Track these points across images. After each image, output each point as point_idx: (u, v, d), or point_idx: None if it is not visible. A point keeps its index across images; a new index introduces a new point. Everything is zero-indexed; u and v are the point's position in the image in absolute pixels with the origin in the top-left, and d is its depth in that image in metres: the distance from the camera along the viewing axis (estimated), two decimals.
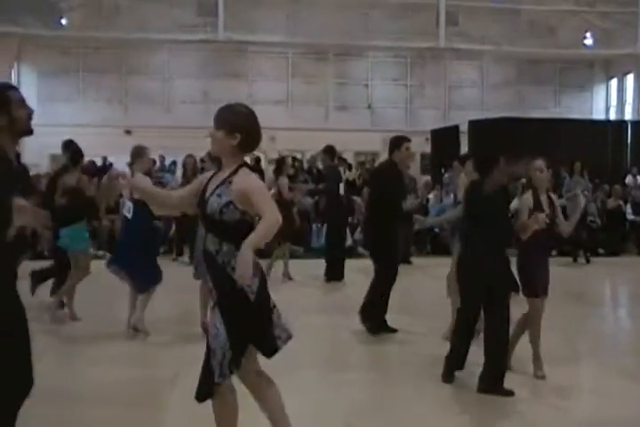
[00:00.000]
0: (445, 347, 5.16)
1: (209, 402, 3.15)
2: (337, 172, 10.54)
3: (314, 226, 12.91)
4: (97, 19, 19.97)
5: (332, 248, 10.26)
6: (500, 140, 14.17)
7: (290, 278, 10.04)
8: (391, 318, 6.75)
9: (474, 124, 17.09)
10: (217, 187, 3.14)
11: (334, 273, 9.98)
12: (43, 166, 18.33)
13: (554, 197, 5.40)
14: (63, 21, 17.73)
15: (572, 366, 5.68)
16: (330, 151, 10.19)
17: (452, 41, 19.84)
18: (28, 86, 21.31)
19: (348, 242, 12.39)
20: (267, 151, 22.51)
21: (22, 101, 3.03)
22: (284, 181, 9.92)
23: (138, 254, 6.17)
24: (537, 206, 5.05)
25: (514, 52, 21.09)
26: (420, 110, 23.14)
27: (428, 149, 19.71)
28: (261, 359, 3.25)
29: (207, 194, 3.16)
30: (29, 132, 3.10)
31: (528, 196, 5.14)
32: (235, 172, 3.16)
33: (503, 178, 4.94)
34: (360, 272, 10.45)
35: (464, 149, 16.39)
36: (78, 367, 5.50)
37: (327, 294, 9.44)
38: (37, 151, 19.41)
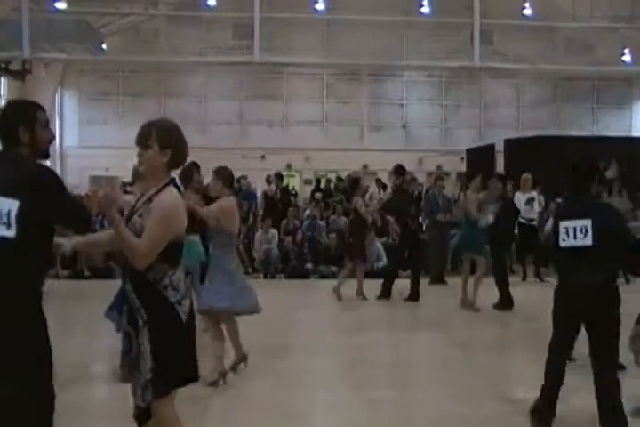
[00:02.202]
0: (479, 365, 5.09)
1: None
2: (405, 191, 10.55)
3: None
4: (135, 43, 20.45)
5: (412, 268, 10.21)
6: (537, 158, 14.05)
7: (365, 298, 9.90)
8: (424, 337, 6.69)
9: (509, 143, 16.97)
10: (140, 206, 3.08)
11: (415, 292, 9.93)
12: (83, 188, 18.68)
13: None
14: (103, 46, 18.17)
15: None
16: (398, 171, 10.24)
17: (487, 60, 19.73)
18: (70, 110, 21.91)
19: (384, 261, 12.34)
20: (302, 171, 22.68)
21: (46, 123, 3.09)
22: (360, 201, 10.01)
23: None
24: None
25: (550, 70, 20.92)
26: (455, 130, 23.07)
27: (463, 168, 19.60)
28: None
29: (132, 214, 3.10)
30: (46, 155, 3.14)
31: None
32: (160, 190, 3.06)
33: None
34: (393, 291, 10.42)
35: (499, 168, 16.28)
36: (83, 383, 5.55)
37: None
38: (78, 173, 19.87)
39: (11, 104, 3.20)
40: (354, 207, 10.09)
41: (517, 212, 10.46)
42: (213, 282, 5.52)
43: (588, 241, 4.18)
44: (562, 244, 4.29)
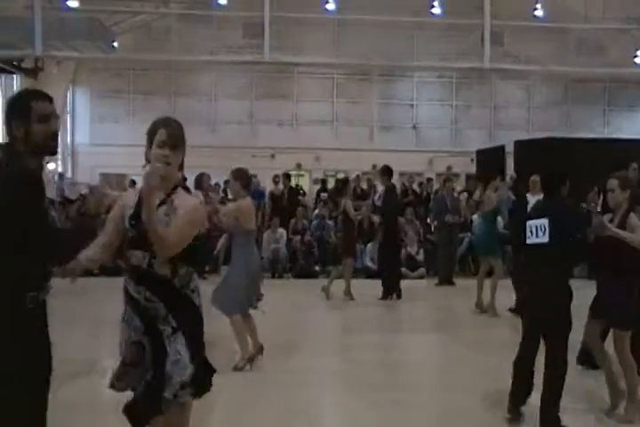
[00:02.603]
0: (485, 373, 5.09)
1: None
2: (394, 191, 10.58)
3: (357, 246, 12.86)
4: (147, 41, 20.52)
5: (387, 268, 10.21)
6: (547, 160, 13.99)
7: (352, 299, 9.92)
8: (431, 338, 6.69)
9: (520, 145, 16.90)
10: (158, 207, 2.97)
11: (390, 291, 9.91)
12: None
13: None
14: (115, 44, 18.25)
15: None
16: (387, 172, 10.23)
17: (497, 61, 19.72)
18: (82, 108, 22.01)
19: None
20: (312, 171, 22.69)
21: (45, 116, 2.68)
22: (349, 202, 9.98)
23: None
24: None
25: (561, 72, 20.86)
26: (465, 130, 23.03)
27: (472, 169, 19.56)
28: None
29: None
30: (47, 152, 2.75)
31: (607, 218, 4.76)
32: (174, 191, 3.07)
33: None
34: (408, 292, 10.43)
35: (509, 169, 16.23)
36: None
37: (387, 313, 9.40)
38: (89, 170, 19.96)
39: (11, 96, 2.87)
40: (342, 209, 9.98)
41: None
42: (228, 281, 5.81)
43: (545, 239, 4.42)
44: (527, 241, 4.55)
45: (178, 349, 2.95)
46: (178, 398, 2.94)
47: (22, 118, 2.63)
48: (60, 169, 19.98)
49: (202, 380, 3.04)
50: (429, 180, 17.46)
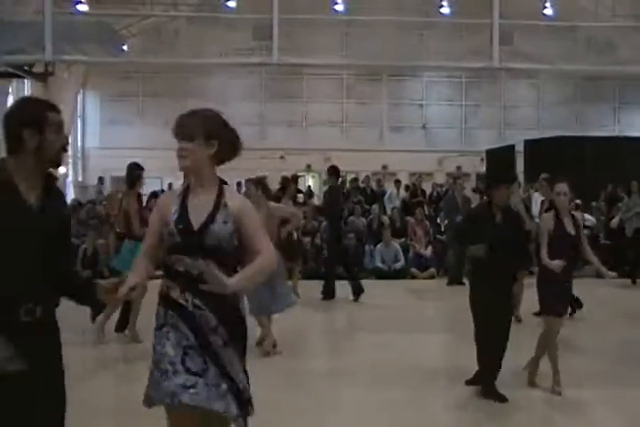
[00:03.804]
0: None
1: None
2: (338, 192, 10.55)
3: (366, 247, 12.87)
4: (156, 44, 20.62)
5: (329, 267, 10.15)
6: (557, 159, 13.95)
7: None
8: (440, 338, 6.67)
9: (530, 144, 16.87)
10: (214, 212, 2.75)
11: (330, 291, 9.82)
12: (105, 188, 18.91)
13: (578, 216, 5.63)
14: (124, 48, 18.35)
15: (597, 389, 5.41)
16: (335, 172, 10.19)
17: (506, 60, 19.68)
18: (92, 111, 22.15)
19: (402, 262, 12.33)
20: (321, 172, 22.70)
21: (59, 127, 2.58)
22: (289, 203, 9.09)
23: None
24: (558, 227, 5.14)
25: (571, 70, 20.75)
26: (474, 130, 22.99)
27: (482, 168, 19.53)
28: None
29: (200, 221, 2.74)
30: (57, 164, 2.62)
31: (549, 217, 5.24)
32: (222, 192, 2.82)
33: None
34: (411, 292, 10.41)
35: (519, 168, 16.19)
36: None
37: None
38: (99, 173, 20.06)
39: (17, 102, 2.64)
40: None
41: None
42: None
43: None
44: None
45: (233, 362, 2.74)
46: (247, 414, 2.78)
47: (37, 127, 2.50)
48: (70, 173, 20.12)
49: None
50: (441, 185, 17.31)
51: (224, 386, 2.70)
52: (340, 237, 10.42)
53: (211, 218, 2.73)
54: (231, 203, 2.78)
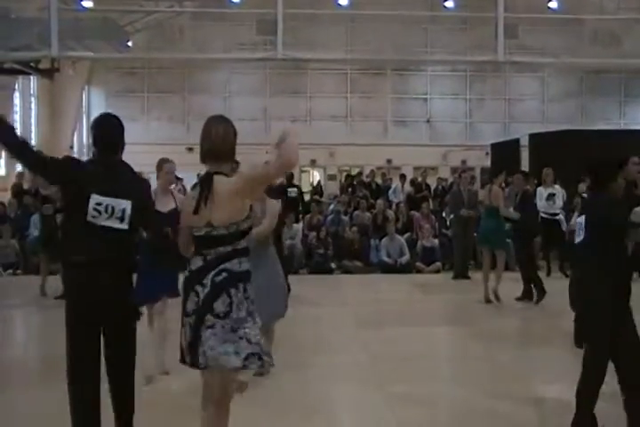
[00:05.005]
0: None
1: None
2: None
3: (372, 241, 12.91)
4: (161, 40, 20.64)
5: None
6: (562, 153, 13.93)
7: None
8: (447, 332, 6.70)
9: (534, 138, 16.82)
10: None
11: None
12: None
13: None
14: (129, 43, 18.37)
15: None
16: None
17: (511, 54, 19.64)
18: (97, 107, 22.17)
19: (407, 257, 12.37)
20: (326, 167, 22.73)
21: None
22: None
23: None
24: None
25: (576, 63, 20.72)
26: (479, 124, 22.95)
27: (487, 163, 19.52)
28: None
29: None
30: None
31: None
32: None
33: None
34: (416, 286, 10.46)
35: (524, 162, 16.17)
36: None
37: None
38: None
39: (113, 116, 3.90)
40: None
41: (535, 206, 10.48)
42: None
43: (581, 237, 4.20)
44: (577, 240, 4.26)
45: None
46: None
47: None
48: None
49: None
50: (446, 179, 17.33)
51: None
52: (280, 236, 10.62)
53: None
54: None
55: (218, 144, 3.24)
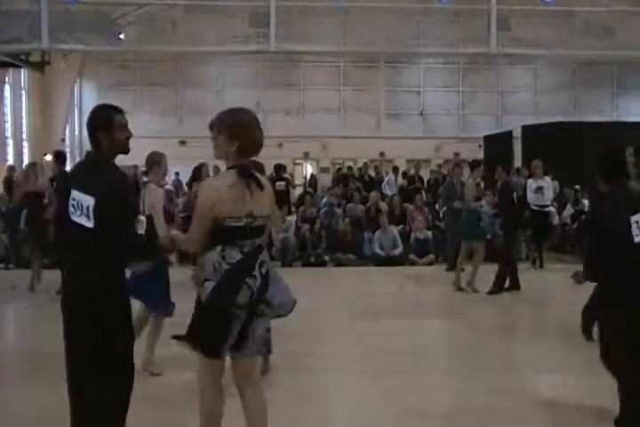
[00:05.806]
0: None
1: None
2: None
3: (365, 234, 12.92)
4: (153, 33, 20.55)
5: None
6: (555, 145, 13.98)
7: None
8: (439, 324, 6.72)
9: (527, 130, 16.86)
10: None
11: None
12: None
13: None
14: (121, 36, 18.28)
15: None
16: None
17: (504, 46, 19.65)
18: (89, 100, 22.09)
19: (400, 249, 12.38)
20: (319, 159, 22.73)
21: (124, 125, 3.39)
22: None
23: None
24: None
25: (568, 56, 20.75)
26: (472, 116, 22.98)
27: (480, 155, 19.53)
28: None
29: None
30: (125, 151, 3.44)
31: None
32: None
33: None
34: (409, 278, 10.49)
35: (517, 154, 16.21)
36: None
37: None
38: None
39: (93, 110, 3.52)
40: (194, 192, 9.96)
41: (524, 197, 10.52)
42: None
43: None
44: (636, 239, 3.83)
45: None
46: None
47: (107, 129, 3.34)
48: (68, 161, 20.07)
49: None
50: (436, 171, 17.38)
51: None
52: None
53: None
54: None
55: (261, 137, 3.39)
